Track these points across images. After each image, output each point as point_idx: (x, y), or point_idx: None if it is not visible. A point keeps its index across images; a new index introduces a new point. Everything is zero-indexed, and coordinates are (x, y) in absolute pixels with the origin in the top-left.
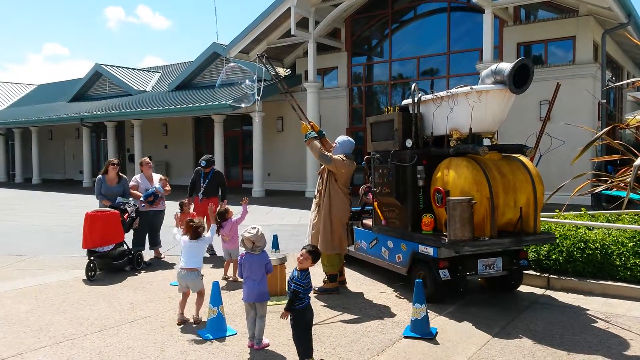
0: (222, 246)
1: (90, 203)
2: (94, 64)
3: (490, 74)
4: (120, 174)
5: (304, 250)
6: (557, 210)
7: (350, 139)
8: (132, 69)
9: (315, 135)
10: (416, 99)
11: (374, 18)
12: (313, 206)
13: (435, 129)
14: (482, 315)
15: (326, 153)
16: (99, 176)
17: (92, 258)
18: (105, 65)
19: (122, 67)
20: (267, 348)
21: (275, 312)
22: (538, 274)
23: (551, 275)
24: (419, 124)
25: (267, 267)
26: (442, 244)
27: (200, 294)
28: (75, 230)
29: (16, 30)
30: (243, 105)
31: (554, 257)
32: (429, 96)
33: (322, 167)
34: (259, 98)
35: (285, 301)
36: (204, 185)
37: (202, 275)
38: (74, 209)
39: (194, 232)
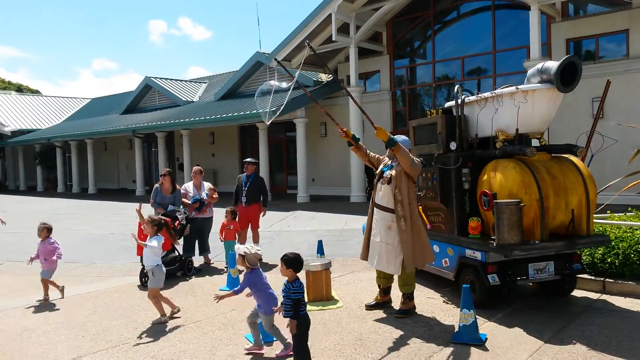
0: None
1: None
2: (144, 77)
3: (537, 73)
4: (177, 185)
5: (282, 261)
6: (609, 212)
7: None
8: (180, 80)
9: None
10: (459, 100)
11: (416, 20)
12: (389, 221)
13: (480, 130)
14: (533, 321)
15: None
16: (156, 185)
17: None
18: (155, 78)
19: (171, 79)
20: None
21: (319, 318)
22: (593, 277)
23: (607, 279)
24: (463, 126)
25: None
26: (491, 248)
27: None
28: (129, 238)
29: (67, 48)
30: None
31: (609, 260)
32: (472, 97)
33: (393, 175)
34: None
35: (331, 306)
36: (246, 189)
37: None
38: (127, 218)
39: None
